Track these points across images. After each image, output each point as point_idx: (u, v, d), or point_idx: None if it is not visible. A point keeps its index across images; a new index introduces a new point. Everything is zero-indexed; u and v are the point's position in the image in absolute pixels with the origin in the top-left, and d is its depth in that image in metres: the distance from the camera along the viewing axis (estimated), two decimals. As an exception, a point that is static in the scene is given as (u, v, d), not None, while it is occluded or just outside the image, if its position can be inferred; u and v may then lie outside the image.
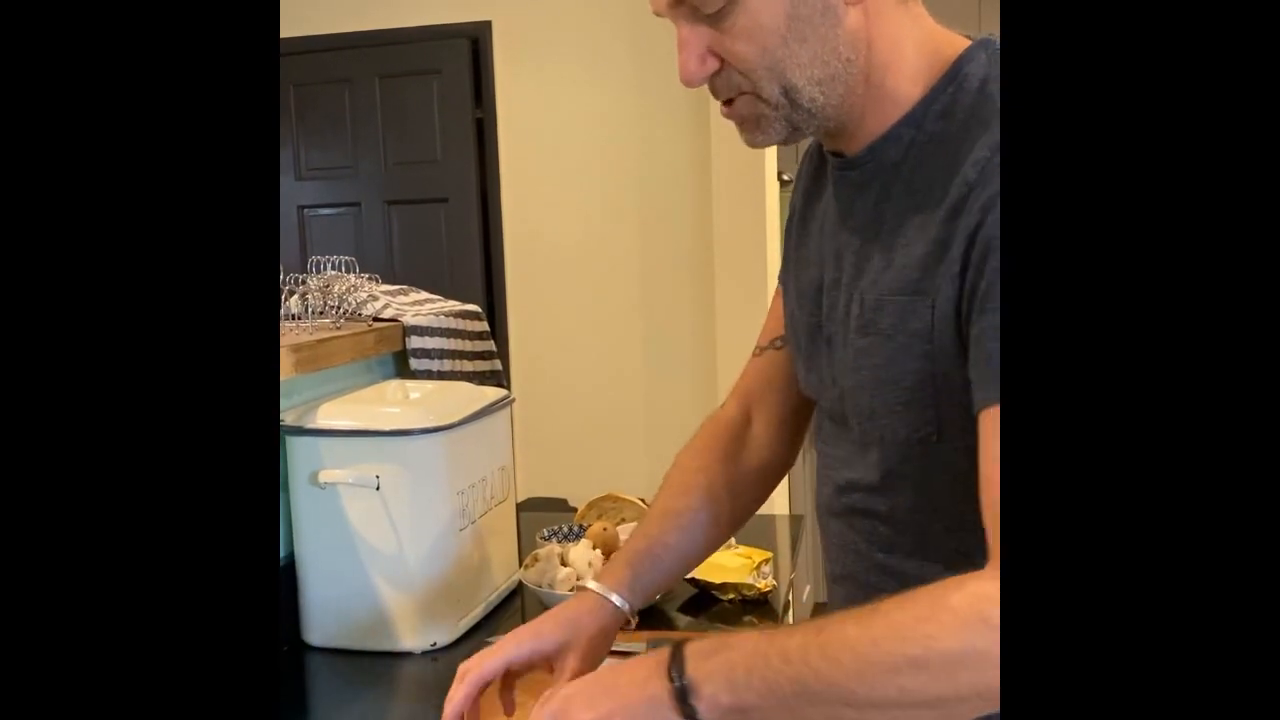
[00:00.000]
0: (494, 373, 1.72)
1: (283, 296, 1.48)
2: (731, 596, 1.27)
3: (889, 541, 0.79)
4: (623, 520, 1.50)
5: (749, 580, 1.26)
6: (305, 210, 3.22)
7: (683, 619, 1.25)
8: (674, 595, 1.29)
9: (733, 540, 1.34)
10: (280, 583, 1.19)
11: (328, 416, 1.20)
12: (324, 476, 1.17)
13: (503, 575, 1.35)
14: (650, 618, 1.22)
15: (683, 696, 0.66)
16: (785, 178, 2.94)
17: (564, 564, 1.29)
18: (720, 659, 0.67)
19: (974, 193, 0.66)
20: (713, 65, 0.72)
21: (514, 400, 1.42)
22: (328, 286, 1.50)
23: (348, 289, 1.52)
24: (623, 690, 0.69)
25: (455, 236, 3.05)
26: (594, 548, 1.31)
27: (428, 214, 3.07)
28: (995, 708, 0.58)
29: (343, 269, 1.53)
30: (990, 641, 0.57)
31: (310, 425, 1.19)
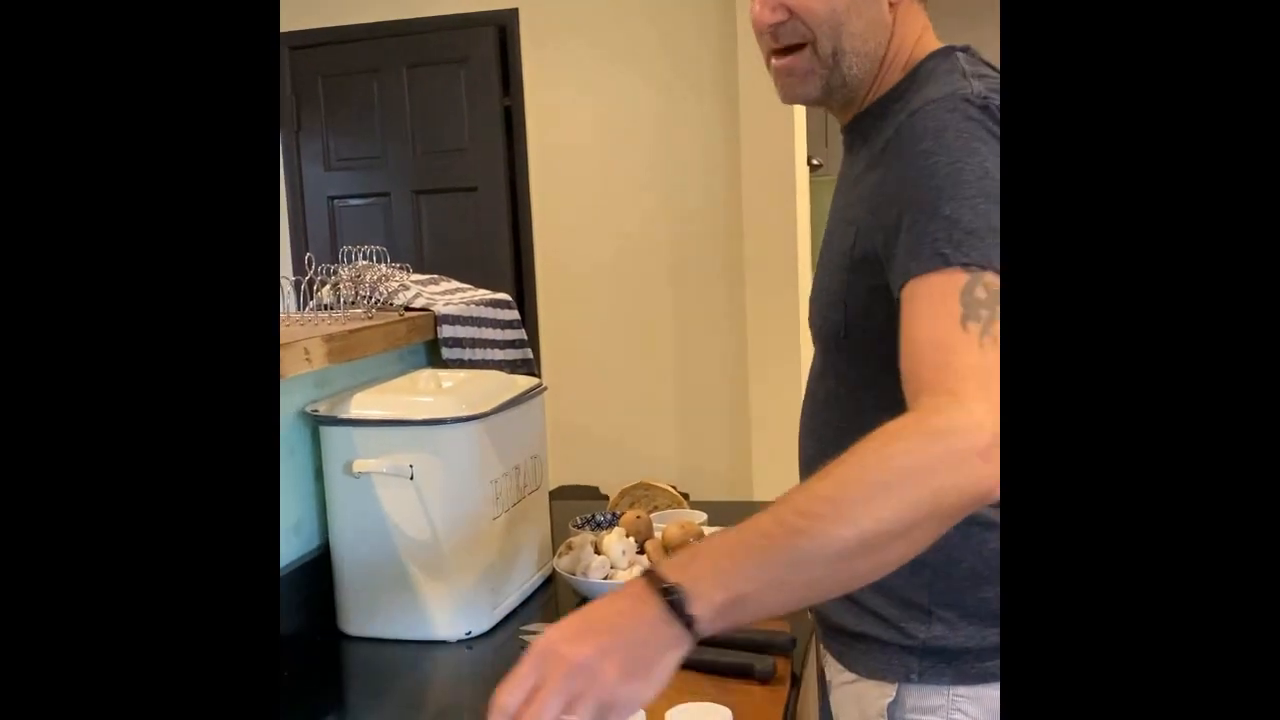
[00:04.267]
0: (525, 361, 1.72)
1: (314, 287, 1.48)
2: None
3: (837, 427, 0.90)
4: (655, 508, 1.49)
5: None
6: (335, 201, 3.23)
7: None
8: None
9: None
10: (279, 584, 1.19)
11: (361, 406, 1.20)
12: (358, 466, 1.17)
13: (536, 563, 1.35)
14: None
15: (678, 607, 0.65)
16: (815, 162, 2.91)
17: (598, 552, 1.29)
18: (701, 561, 0.67)
19: (889, 145, 0.81)
20: (782, 14, 0.84)
21: (546, 389, 1.42)
22: (359, 276, 1.50)
23: (379, 279, 1.53)
24: (612, 621, 0.67)
25: (484, 225, 3.06)
26: (628, 535, 1.31)
27: (456, 203, 3.08)
28: (945, 526, 0.65)
29: (374, 259, 1.54)
30: (928, 449, 0.65)
31: (344, 415, 1.20)
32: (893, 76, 0.88)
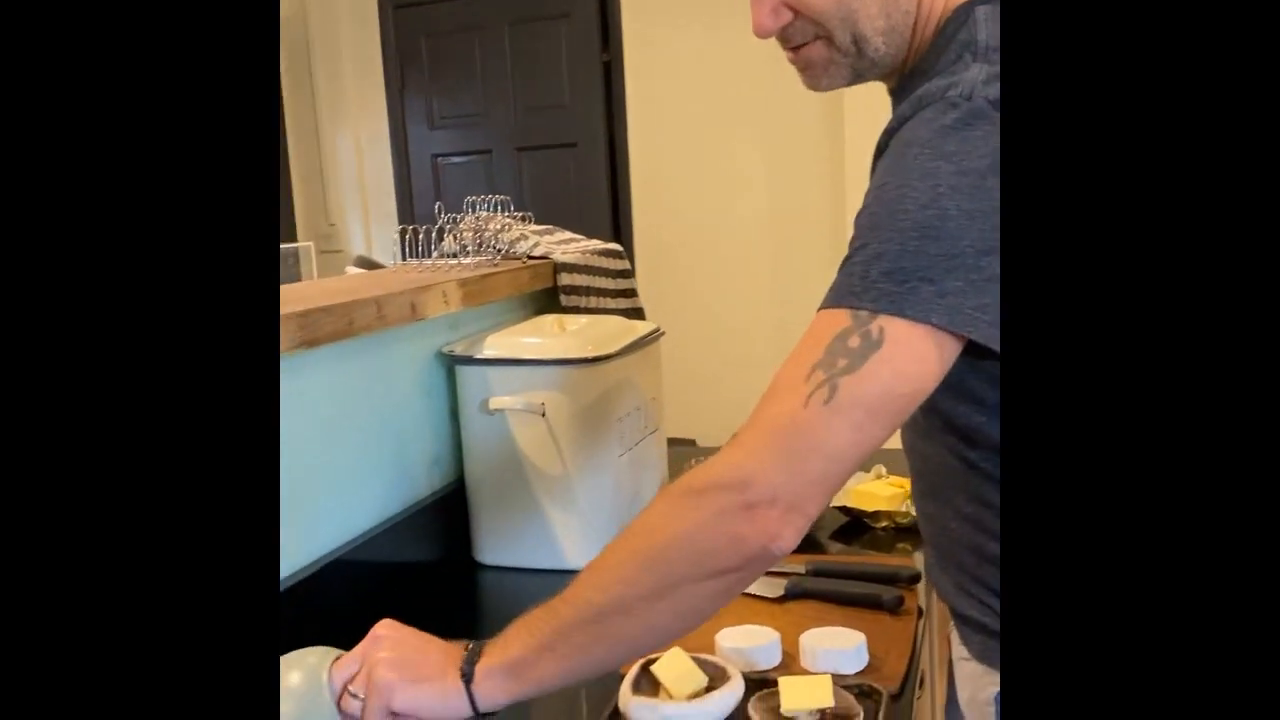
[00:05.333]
0: (636, 310, 1.76)
1: (434, 236, 1.54)
2: (885, 524, 1.29)
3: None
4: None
5: (902, 509, 1.27)
6: (438, 159, 3.31)
7: (834, 545, 1.27)
8: (824, 523, 1.32)
9: (883, 469, 1.36)
10: (279, 576, 1.25)
11: (495, 347, 1.26)
12: (494, 403, 1.23)
13: (657, 501, 1.39)
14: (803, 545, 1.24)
15: (469, 659, 0.73)
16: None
17: (718, 490, 1.33)
18: (503, 635, 0.74)
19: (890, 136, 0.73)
20: (786, 17, 0.77)
21: (664, 334, 1.45)
22: (482, 226, 1.55)
23: (501, 228, 1.58)
24: (427, 641, 0.77)
25: (583, 181, 3.10)
26: (746, 475, 1.34)
27: (556, 159, 3.13)
28: (722, 585, 0.65)
29: (497, 209, 1.59)
30: (686, 511, 0.65)
31: (479, 355, 1.25)
32: (930, 31, 0.78)
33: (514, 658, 0.71)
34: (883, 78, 0.83)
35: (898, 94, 0.82)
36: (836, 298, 0.67)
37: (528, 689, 0.71)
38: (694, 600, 0.68)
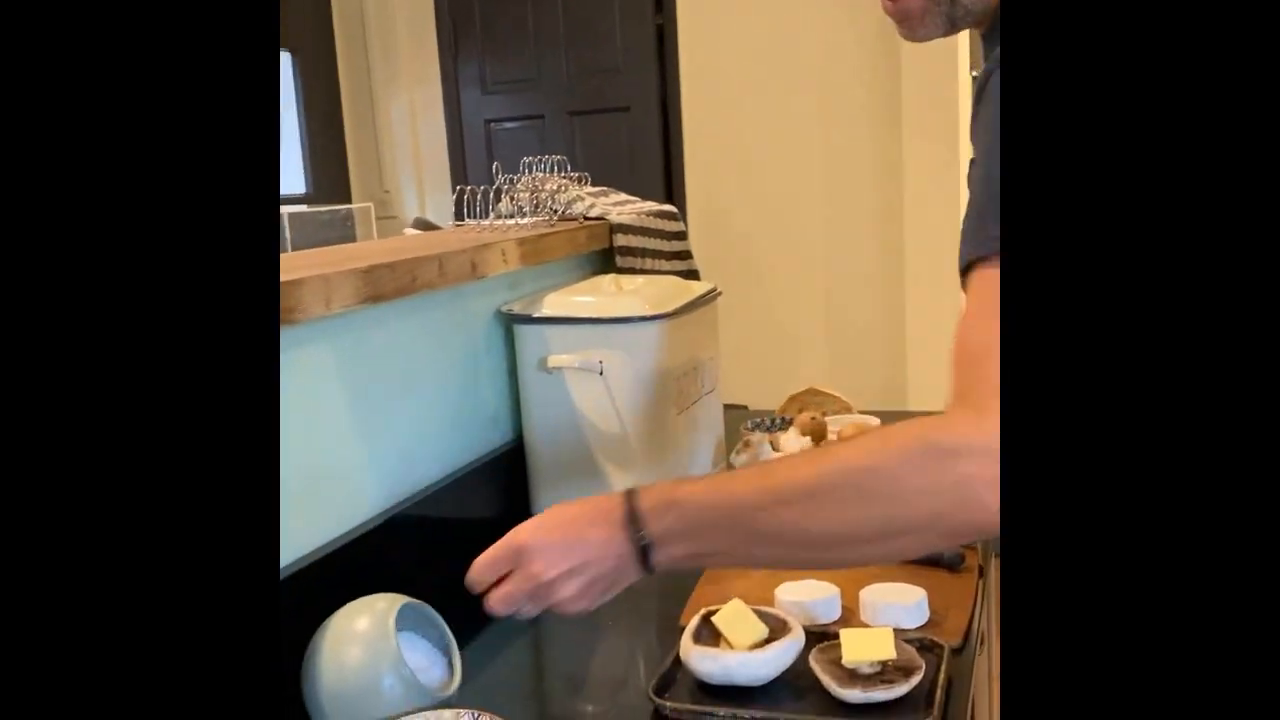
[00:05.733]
0: (691, 271, 1.75)
1: (491, 197, 1.55)
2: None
3: None
4: (825, 413, 1.52)
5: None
6: (491, 124, 3.32)
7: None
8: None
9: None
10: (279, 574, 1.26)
11: (553, 306, 1.26)
12: (553, 361, 1.24)
13: (713, 460, 1.40)
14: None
15: (645, 554, 0.75)
16: (975, 75, 2.81)
17: (775, 449, 1.33)
18: (674, 515, 0.74)
19: (981, 89, 0.71)
20: None
21: (720, 294, 1.45)
22: (537, 187, 1.56)
23: (557, 189, 1.58)
24: (586, 550, 0.77)
25: (636, 145, 3.09)
26: (803, 435, 1.34)
27: (609, 123, 3.11)
28: (944, 543, 0.64)
29: (554, 169, 1.59)
30: (930, 468, 0.61)
31: (537, 314, 1.26)
32: None
33: (700, 552, 0.74)
34: (976, 24, 0.83)
35: (989, 37, 0.82)
36: (987, 250, 0.64)
37: (705, 564, 0.81)
38: (908, 549, 0.68)
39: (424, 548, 1.10)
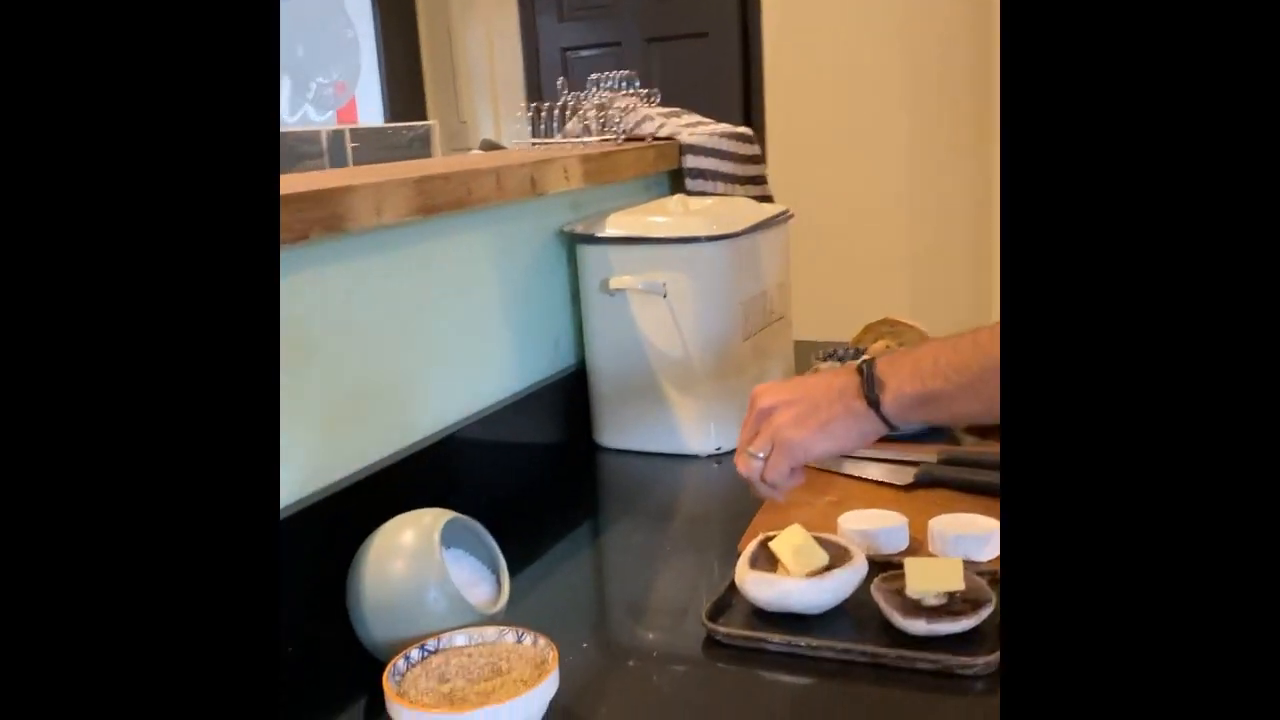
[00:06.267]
0: (765, 198, 1.69)
1: (565, 116, 1.50)
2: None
3: None
4: (902, 344, 1.45)
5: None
6: (568, 52, 3.25)
7: (968, 438, 1.20)
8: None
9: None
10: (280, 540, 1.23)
11: (616, 226, 1.22)
12: (614, 283, 1.20)
13: (781, 390, 1.35)
14: (936, 436, 1.18)
15: (868, 385, 0.80)
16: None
17: (846, 378, 1.27)
18: (905, 359, 0.80)
19: None
20: None
21: (793, 216, 1.39)
22: (604, 106, 1.51)
23: (626, 109, 1.53)
24: (807, 384, 0.85)
25: (715, 72, 3.00)
26: (877, 364, 1.28)
27: (687, 50, 3.03)
28: None
29: (623, 86, 1.53)
30: None
31: (600, 234, 1.22)
32: None
33: (932, 391, 0.78)
34: None
35: None
36: None
37: (938, 418, 0.85)
38: None
39: (480, 469, 1.08)
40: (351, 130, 2.94)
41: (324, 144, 2.79)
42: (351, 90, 3.58)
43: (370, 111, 3.57)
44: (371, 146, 2.98)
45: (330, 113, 3.55)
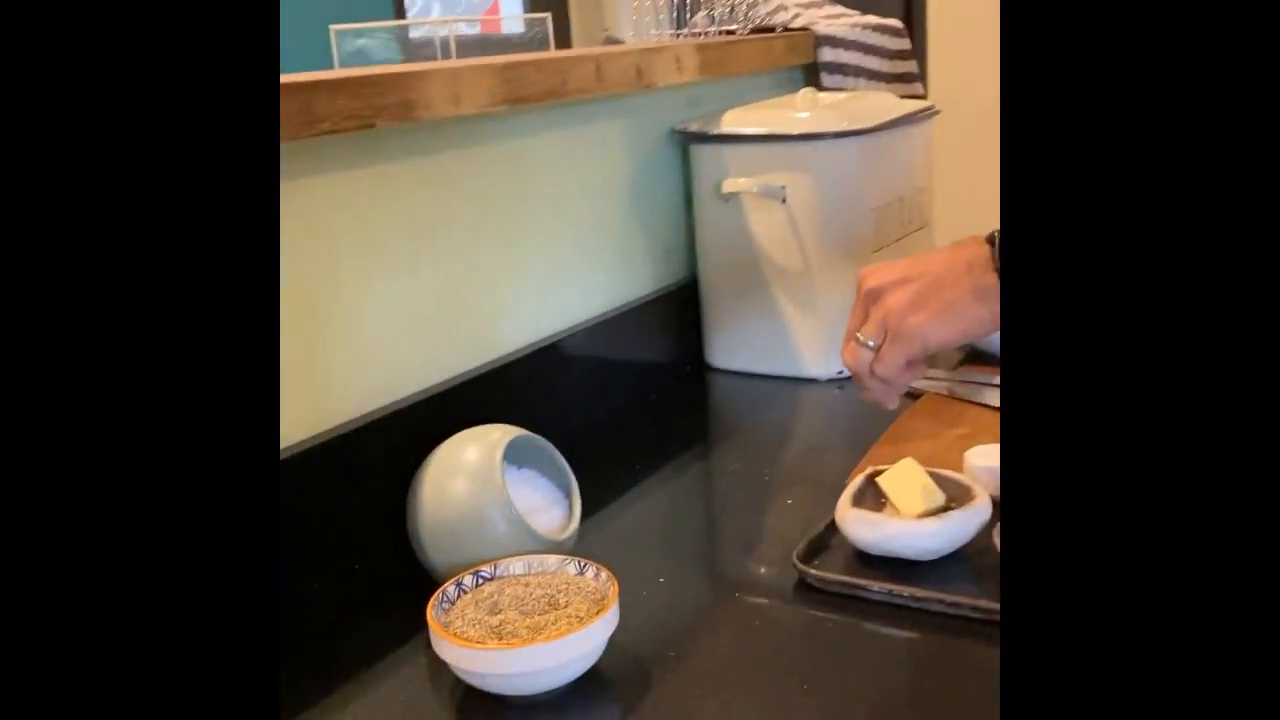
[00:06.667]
0: (915, 99, 1.52)
1: (689, 9, 1.39)
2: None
3: None
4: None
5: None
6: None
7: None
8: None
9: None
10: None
11: (733, 122, 1.11)
12: (728, 186, 1.09)
13: (917, 309, 1.22)
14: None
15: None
16: None
17: (990, 297, 1.13)
18: None
19: None
20: None
21: (938, 112, 1.24)
22: (735, -4, 1.38)
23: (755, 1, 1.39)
24: (925, 260, 0.71)
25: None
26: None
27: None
28: None
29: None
30: None
31: (714, 131, 1.11)
32: None
33: None
34: None
35: None
36: None
37: None
38: None
39: (576, 388, 1.01)
40: (459, 38, 2.88)
41: (436, 47, 2.74)
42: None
43: (510, 24, 3.51)
44: (482, 48, 2.91)
45: (474, 19, 3.51)
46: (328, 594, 0.74)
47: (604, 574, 0.65)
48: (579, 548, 0.77)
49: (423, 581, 0.72)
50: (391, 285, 0.83)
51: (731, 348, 1.16)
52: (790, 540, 0.76)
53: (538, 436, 0.76)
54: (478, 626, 0.62)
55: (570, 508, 0.76)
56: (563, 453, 0.78)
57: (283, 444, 0.74)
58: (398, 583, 0.74)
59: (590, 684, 0.62)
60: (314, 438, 0.76)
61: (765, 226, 1.10)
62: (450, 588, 0.65)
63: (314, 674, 0.65)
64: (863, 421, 0.99)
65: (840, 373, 1.11)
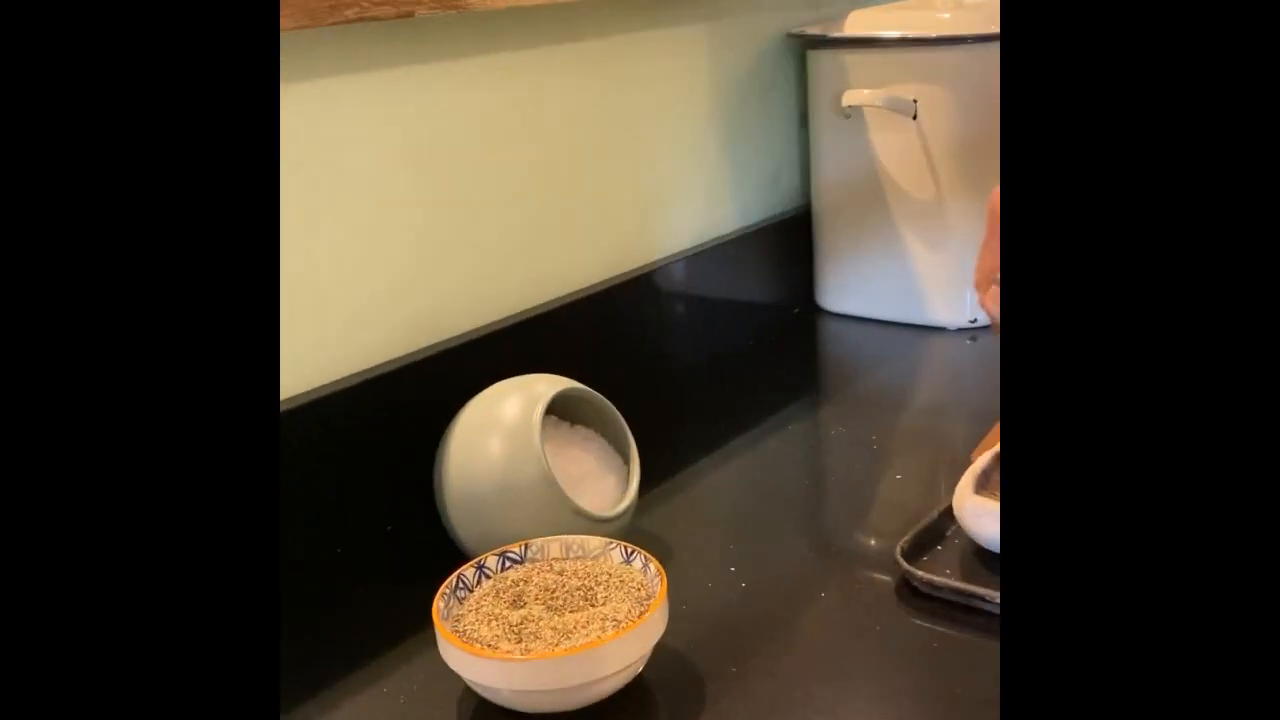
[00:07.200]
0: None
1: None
2: None
3: None
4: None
5: None
6: None
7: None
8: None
9: None
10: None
11: (859, 25, 0.94)
12: (849, 99, 0.93)
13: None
14: None
15: None
16: None
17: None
18: None
19: None
20: None
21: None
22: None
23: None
24: None
25: None
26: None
27: None
28: None
29: None
30: None
31: (836, 34, 0.95)
32: None
33: None
34: None
35: None
36: None
37: None
38: None
39: (660, 331, 0.88)
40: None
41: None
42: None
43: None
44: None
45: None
46: (346, 561, 0.64)
47: (652, 567, 0.53)
48: (635, 525, 0.65)
49: (458, 551, 0.62)
50: (430, 208, 0.72)
51: (846, 288, 1.01)
52: (895, 529, 0.62)
53: (590, 390, 0.64)
54: (494, 623, 0.51)
55: (628, 477, 0.64)
56: (634, 410, 0.66)
57: (311, 385, 0.64)
58: (430, 550, 0.64)
59: (628, 699, 0.51)
60: (348, 378, 0.66)
61: (892, 147, 0.94)
62: (469, 571, 0.54)
63: (319, 654, 0.56)
64: (998, 382, 0.83)
65: (974, 321, 0.95)
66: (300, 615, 0.59)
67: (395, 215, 0.69)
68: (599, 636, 0.49)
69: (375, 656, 0.56)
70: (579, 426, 0.66)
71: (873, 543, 0.63)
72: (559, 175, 0.80)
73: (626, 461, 0.65)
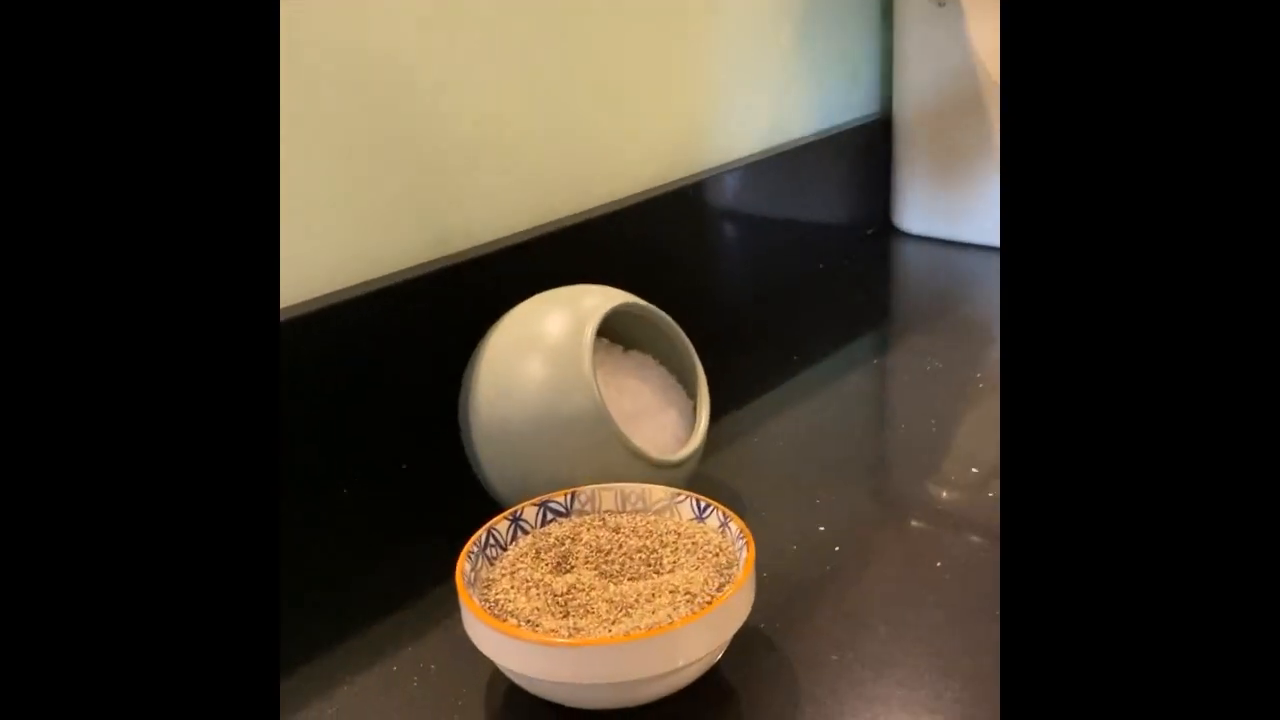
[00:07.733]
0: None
1: None
2: None
3: None
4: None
5: None
6: None
7: None
8: None
9: None
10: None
11: (959, -105, 0.81)
12: (946, -19, 0.80)
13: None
14: None
15: None
16: None
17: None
18: None
19: None
20: None
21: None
22: None
23: None
24: None
25: None
26: None
27: None
28: None
29: None
30: None
31: (933, -94, 0.81)
32: None
33: None
34: None
35: None
36: None
37: None
38: None
39: (722, 248, 0.77)
40: None
41: None
42: None
43: None
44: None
45: None
46: (352, 505, 0.54)
47: (734, 525, 0.42)
48: (702, 472, 0.54)
49: (488, 499, 0.51)
50: (465, 92, 0.60)
51: (931, 208, 0.89)
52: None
53: (655, 308, 0.53)
54: (533, 592, 0.40)
55: (694, 413, 0.53)
56: (695, 335, 0.54)
57: (313, 294, 0.53)
58: (453, 496, 0.53)
59: (695, 697, 0.40)
60: (355, 287, 0.55)
61: (991, 44, 0.81)
62: (502, 525, 0.44)
63: (316, 620, 0.46)
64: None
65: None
66: (296, 570, 0.49)
67: (417, 97, 0.57)
68: (669, 615, 0.38)
69: (384, 626, 0.45)
70: (633, 352, 0.55)
71: (986, 486, 0.51)
72: (608, 63, 0.68)
73: (691, 395, 0.54)
